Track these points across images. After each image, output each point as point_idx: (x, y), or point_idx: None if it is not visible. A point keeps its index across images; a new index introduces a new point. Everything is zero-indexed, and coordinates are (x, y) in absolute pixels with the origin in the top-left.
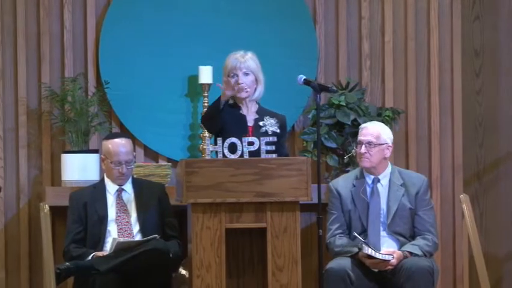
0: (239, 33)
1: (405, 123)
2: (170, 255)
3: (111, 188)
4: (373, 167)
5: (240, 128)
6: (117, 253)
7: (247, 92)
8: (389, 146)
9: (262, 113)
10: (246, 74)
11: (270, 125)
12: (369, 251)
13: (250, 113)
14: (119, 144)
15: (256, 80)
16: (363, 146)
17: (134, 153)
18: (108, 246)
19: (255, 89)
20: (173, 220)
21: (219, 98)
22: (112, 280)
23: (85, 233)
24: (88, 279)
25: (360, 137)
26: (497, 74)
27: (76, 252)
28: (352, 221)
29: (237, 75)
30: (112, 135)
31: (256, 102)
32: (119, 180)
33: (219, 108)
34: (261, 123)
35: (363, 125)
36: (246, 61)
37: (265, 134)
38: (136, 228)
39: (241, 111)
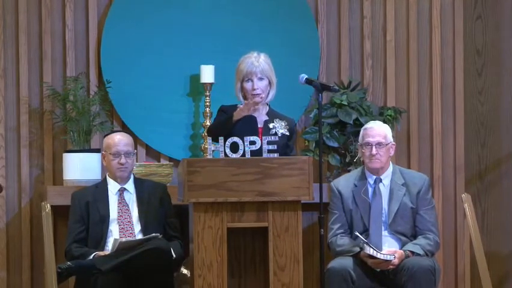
0: (241, 33)
1: (407, 123)
2: (173, 256)
3: (113, 187)
4: (382, 167)
5: (250, 129)
6: (118, 252)
7: (261, 97)
8: (393, 144)
9: (272, 115)
10: (261, 79)
11: (279, 127)
12: (370, 251)
13: (260, 114)
14: (118, 137)
15: (270, 83)
16: (374, 147)
17: (135, 150)
18: (110, 246)
19: (268, 92)
20: (175, 221)
21: (231, 117)
22: (113, 279)
23: (87, 233)
24: (90, 279)
25: (369, 139)
26: (500, 74)
27: (77, 251)
28: (353, 221)
29: (252, 81)
30: (111, 132)
31: (267, 104)
32: (120, 173)
33: (231, 126)
34: (270, 125)
35: (367, 126)
36: (261, 65)
37: (275, 136)
38: (137, 228)
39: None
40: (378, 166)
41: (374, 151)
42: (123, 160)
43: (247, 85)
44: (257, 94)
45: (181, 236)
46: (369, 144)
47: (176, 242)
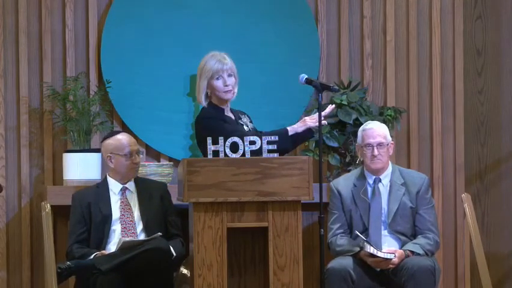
0: (241, 32)
1: (407, 123)
2: (174, 255)
3: (114, 187)
4: (383, 167)
5: (238, 127)
6: (118, 252)
7: (233, 93)
8: (391, 143)
9: (235, 112)
10: (230, 75)
11: (247, 122)
12: (371, 249)
13: (228, 112)
14: (126, 137)
15: (235, 81)
16: (375, 148)
17: None
18: (112, 246)
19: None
20: (175, 219)
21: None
22: (113, 279)
23: (88, 233)
24: (90, 279)
25: (370, 140)
26: (499, 73)
27: (78, 252)
28: (353, 221)
29: (223, 77)
30: (112, 133)
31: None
32: (134, 172)
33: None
34: (240, 122)
35: (366, 127)
36: (228, 62)
37: (249, 132)
38: (139, 227)
39: (226, 113)
40: (380, 166)
41: (376, 152)
42: (138, 159)
43: (218, 82)
44: (229, 90)
45: (182, 234)
46: (370, 145)
47: (177, 240)
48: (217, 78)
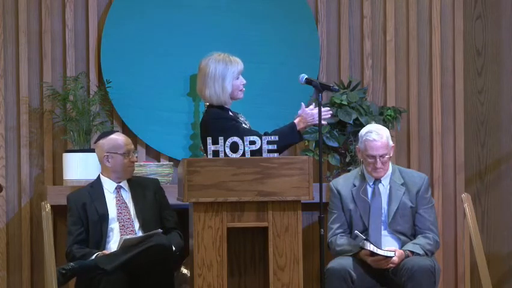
0: (241, 32)
1: (407, 123)
2: (173, 249)
3: (109, 186)
4: (385, 173)
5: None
6: (121, 251)
7: None
8: (392, 146)
9: (232, 112)
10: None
11: (244, 121)
12: (371, 247)
13: (231, 113)
14: (121, 137)
15: None
16: (378, 160)
17: None
18: (112, 245)
19: None
20: (171, 212)
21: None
22: (117, 280)
23: (87, 234)
24: (91, 279)
25: (373, 152)
26: (499, 73)
27: (79, 252)
28: (353, 220)
29: (240, 77)
30: (106, 133)
31: None
32: (130, 171)
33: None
34: (239, 121)
35: (369, 137)
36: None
37: (249, 131)
38: (137, 224)
39: (230, 113)
40: (382, 175)
41: (378, 164)
42: (134, 158)
43: (237, 82)
44: (243, 89)
45: (178, 226)
46: (373, 157)
47: (175, 233)
48: (237, 78)
